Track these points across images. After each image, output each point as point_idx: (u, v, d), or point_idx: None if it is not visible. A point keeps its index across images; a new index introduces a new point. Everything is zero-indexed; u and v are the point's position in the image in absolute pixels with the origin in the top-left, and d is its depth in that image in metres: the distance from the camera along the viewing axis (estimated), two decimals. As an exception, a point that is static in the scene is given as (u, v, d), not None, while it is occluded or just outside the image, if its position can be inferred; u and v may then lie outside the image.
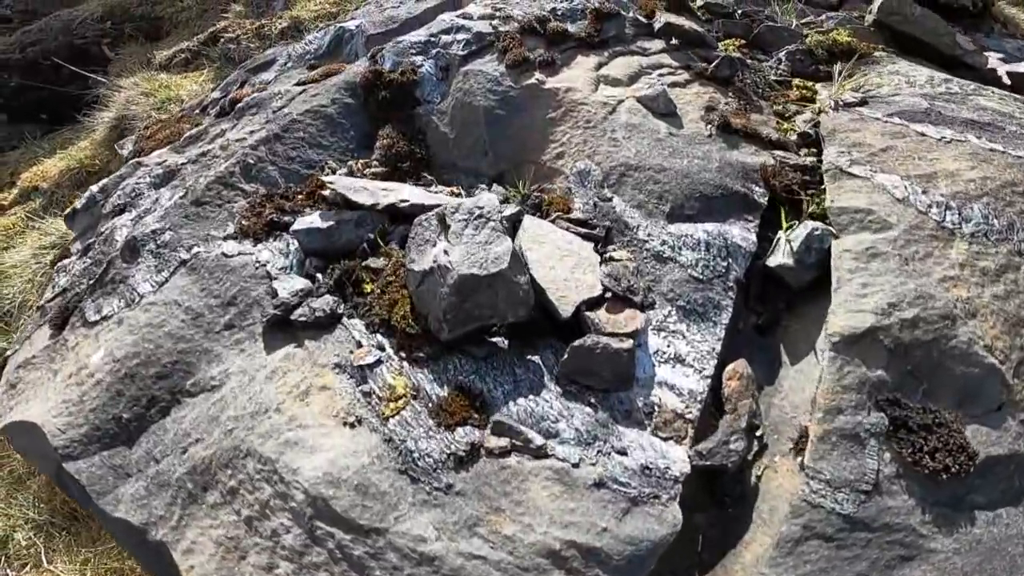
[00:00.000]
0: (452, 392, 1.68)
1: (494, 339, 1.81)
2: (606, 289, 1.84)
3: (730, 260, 1.94)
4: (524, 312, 1.74)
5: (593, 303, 1.79)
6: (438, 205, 2.26)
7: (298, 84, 3.19)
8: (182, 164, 2.88)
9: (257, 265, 2.19)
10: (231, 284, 2.15)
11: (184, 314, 2.10)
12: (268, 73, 3.70)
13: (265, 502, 1.54)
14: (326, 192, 2.50)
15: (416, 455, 1.58)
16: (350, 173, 2.60)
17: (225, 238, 2.39)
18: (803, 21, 3.03)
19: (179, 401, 1.92)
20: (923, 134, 2.24)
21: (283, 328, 2.00)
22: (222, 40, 4.96)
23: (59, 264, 2.82)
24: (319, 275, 2.19)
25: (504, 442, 1.59)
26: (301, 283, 2.09)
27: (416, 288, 1.82)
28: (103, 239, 2.65)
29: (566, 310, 1.77)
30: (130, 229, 2.61)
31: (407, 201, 2.25)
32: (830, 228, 1.94)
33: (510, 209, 2.04)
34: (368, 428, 1.62)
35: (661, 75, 2.66)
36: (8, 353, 2.53)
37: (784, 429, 1.75)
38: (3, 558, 3.11)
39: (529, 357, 1.78)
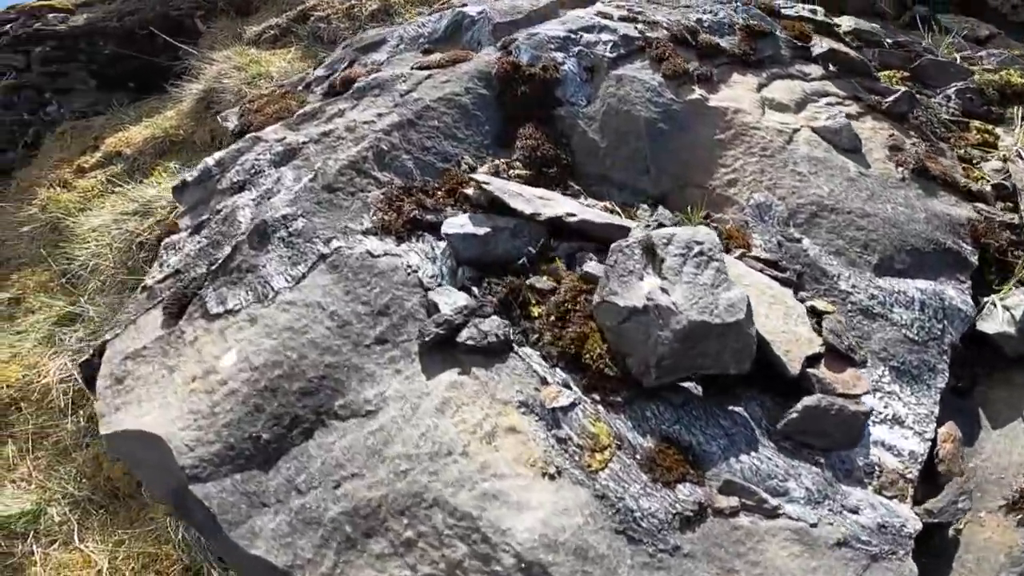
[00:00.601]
0: (659, 444, 1.45)
1: (686, 384, 1.59)
2: (826, 345, 1.62)
3: (946, 323, 1.71)
4: (748, 365, 1.51)
5: (811, 358, 1.59)
6: (610, 224, 1.99)
7: (420, 68, 2.93)
8: (303, 143, 2.60)
9: (408, 270, 1.93)
10: (381, 291, 1.89)
11: (329, 320, 1.84)
12: (379, 54, 3.40)
13: (457, 562, 1.30)
14: (469, 191, 2.23)
15: (638, 514, 1.35)
16: (495, 173, 2.35)
17: (364, 232, 2.10)
18: (960, 55, 2.78)
19: (324, 424, 1.66)
20: None
21: (443, 349, 1.72)
22: (312, 18, 4.65)
23: (167, 241, 2.54)
24: (474, 288, 1.93)
25: (734, 501, 1.37)
26: (462, 299, 1.82)
27: (617, 324, 1.57)
28: (222, 218, 2.38)
29: (794, 367, 1.53)
30: (254, 210, 2.33)
31: (574, 216, 1.99)
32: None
33: (707, 241, 1.80)
34: (571, 481, 1.39)
35: (829, 104, 2.41)
36: (108, 336, 2.28)
37: (989, 488, 1.62)
38: (32, 533, 2.84)
39: (731, 408, 1.56)
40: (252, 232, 2.10)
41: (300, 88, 3.62)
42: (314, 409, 1.66)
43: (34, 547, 2.83)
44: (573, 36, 2.56)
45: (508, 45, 2.69)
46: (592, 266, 1.79)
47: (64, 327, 4.04)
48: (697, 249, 1.53)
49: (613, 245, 1.62)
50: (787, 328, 1.57)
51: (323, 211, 2.11)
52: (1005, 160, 2.15)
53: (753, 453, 1.38)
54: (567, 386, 1.53)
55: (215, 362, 1.80)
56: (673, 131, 2.18)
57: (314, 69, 3.79)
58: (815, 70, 2.52)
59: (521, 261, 1.90)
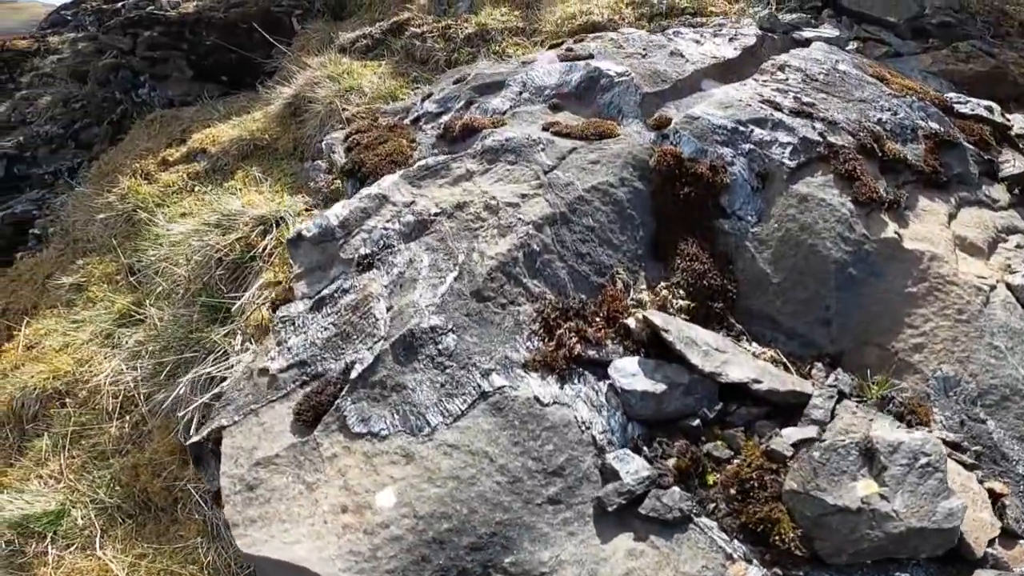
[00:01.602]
0: None
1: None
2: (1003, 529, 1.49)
3: None
4: (942, 552, 1.47)
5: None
6: (793, 392, 1.77)
7: (558, 134, 2.60)
8: (435, 214, 2.34)
9: (581, 427, 1.71)
10: (554, 448, 1.67)
11: (499, 474, 1.62)
12: (498, 99, 3.07)
13: None
14: (631, 323, 1.97)
15: None
16: (662, 307, 2.04)
17: (524, 367, 1.88)
18: None
19: (493, 581, 1.49)
20: None
21: (618, 513, 1.56)
22: (406, 33, 4.28)
23: (284, 312, 2.30)
24: (646, 448, 1.72)
25: None
26: (643, 468, 1.64)
27: (818, 516, 1.44)
28: (351, 304, 2.13)
29: (979, 551, 1.51)
30: (388, 301, 2.09)
31: (760, 384, 1.74)
32: None
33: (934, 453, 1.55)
34: None
35: (1020, 246, 2.10)
36: (224, 422, 2.06)
37: None
38: (51, 534, 2.70)
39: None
40: (397, 343, 1.89)
41: (407, 121, 3.31)
42: (483, 563, 1.52)
43: (49, 548, 2.67)
44: (742, 129, 2.24)
45: (663, 127, 2.38)
46: (779, 444, 1.68)
47: (124, 327, 3.81)
48: (924, 461, 1.43)
49: (826, 443, 1.49)
50: (974, 515, 1.41)
51: (474, 326, 1.87)
52: None
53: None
54: (750, 561, 1.38)
55: (369, 497, 1.60)
56: (863, 277, 1.91)
57: (421, 100, 3.48)
58: (1002, 195, 2.24)
59: (696, 423, 1.65)
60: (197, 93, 4.95)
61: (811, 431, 1.66)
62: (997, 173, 2.35)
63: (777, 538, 1.51)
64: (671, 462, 1.67)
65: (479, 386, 1.83)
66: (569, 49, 3.43)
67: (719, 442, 1.72)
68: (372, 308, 2.08)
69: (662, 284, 2.11)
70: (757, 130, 2.30)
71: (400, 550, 1.56)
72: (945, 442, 1.70)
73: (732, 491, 1.61)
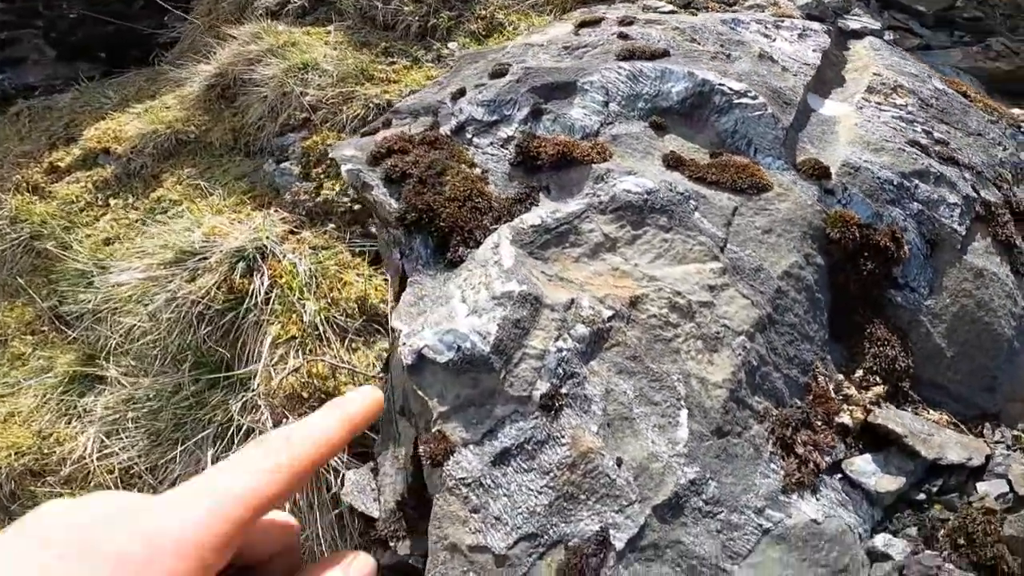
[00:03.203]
0: None
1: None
2: None
3: None
4: None
5: None
6: (982, 455, 1.75)
7: (692, 177, 2.10)
8: (608, 319, 1.83)
9: (851, 530, 1.56)
10: (837, 554, 1.62)
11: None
12: (577, 110, 2.40)
13: None
14: (845, 420, 1.81)
15: None
16: (877, 403, 1.82)
17: (784, 491, 1.65)
18: None
19: None
20: None
21: None
22: (358, -8, 3.12)
23: (457, 472, 1.67)
24: (888, 524, 1.75)
25: None
26: (902, 545, 1.60)
27: None
28: (567, 463, 1.62)
29: None
30: (610, 454, 1.61)
31: (971, 460, 1.74)
32: None
33: None
34: None
35: None
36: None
37: None
38: None
39: None
40: (661, 506, 1.50)
41: (447, 131, 2.48)
42: None
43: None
44: (907, 185, 2.00)
45: (821, 177, 2.07)
46: (987, 499, 1.81)
47: (83, 392, 2.84)
48: None
49: None
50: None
51: (725, 465, 1.68)
52: None
53: None
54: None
55: None
56: (1020, 347, 1.86)
57: (452, 98, 2.62)
58: None
59: (921, 497, 1.83)
60: (67, 76, 3.34)
61: (1001, 484, 1.81)
62: None
63: (1003, 568, 1.66)
64: (912, 531, 1.76)
65: (760, 525, 1.69)
66: (623, 35, 2.69)
67: (938, 507, 1.81)
68: (599, 466, 1.59)
69: (858, 374, 1.87)
70: (922, 186, 2.03)
71: None
72: None
73: (960, 541, 1.70)
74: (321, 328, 2.73)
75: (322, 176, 2.96)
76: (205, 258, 2.61)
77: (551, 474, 1.68)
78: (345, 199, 2.90)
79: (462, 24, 3.07)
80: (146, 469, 2.69)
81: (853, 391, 1.89)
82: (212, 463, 2.65)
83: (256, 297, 2.63)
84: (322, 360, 2.60)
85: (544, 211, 2.12)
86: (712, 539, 1.61)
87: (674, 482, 1.63)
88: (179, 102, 3.09)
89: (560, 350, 1.78)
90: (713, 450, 1.69)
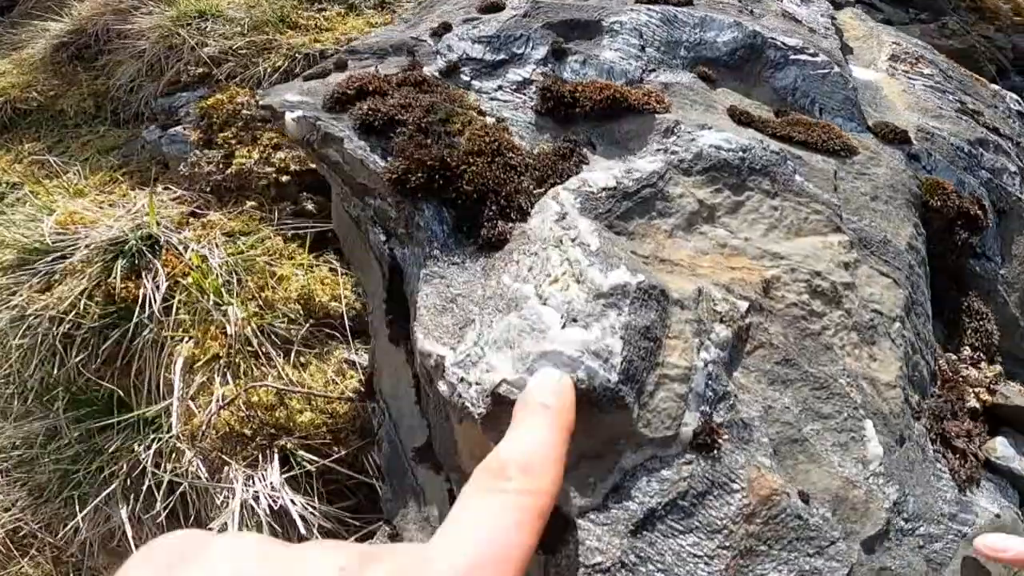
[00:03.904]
0: None
1: None
2: None
3: None
4: None
5: None
6: None
7: (775, 135, 1.65)
8: (744, 312, 1.26)
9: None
10: None
11: None
12: (610, 52, 1.88)
13: None
14: (974, 403, 1.50)
15: None
16: (996, 379, 1.55)
17: (961, 490, 1.32)
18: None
19: None
20: None
21: None
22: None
23: (585, 559, 0.99)
24: None
25: None
26: None
27: None
28: (744, 513, 1.08)
29: None
30: (790, 489, 1.07)
31: None
32: None
33: None
34: None
35: None
36: None
37: None
38: None
39: None
40: (870, 538, 1.05)
41: (433, 72, 1.82)
42: None
43: None
44: (975, 153, 1.76)
45: (903, 142, 1.71)
46: None
47: None
48: None
49: None
50: None
51: (909, 475, 1.42)
52: None
53: None
54: None
55: None
56: None
57: (431, 34, 1.90)
58: None
59: None
60: None
61: None
62: None
63: None
64: None
65: (959, 531, 1.29)
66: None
67: None
68: (786, 508, 1.04)
69: (966, 352, 1.58)
70: (986, 154, 1.81)
71: None
72: None
73: None
74: (255, 341, 1.82)
75: (233, 141, 2.01)
76: (64, 257, 1.57)
77: (725, 531, 1.07)
78: (269, 168, 1.98)
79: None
80: (41, 528, 1.68)
81: (971, 371, 1.56)
82: (129, 523, 1.69)
83: (151, 306, 1.65)
84: (266, 386, 1.70)
85: (613, 171, 1.52)
86: (915, 555, 1.18)
87: (880, 507, 1.15)
88: (16, 66, 1.99)
89: (707, 363, 1.13)
90: (902, 462, 1.23)
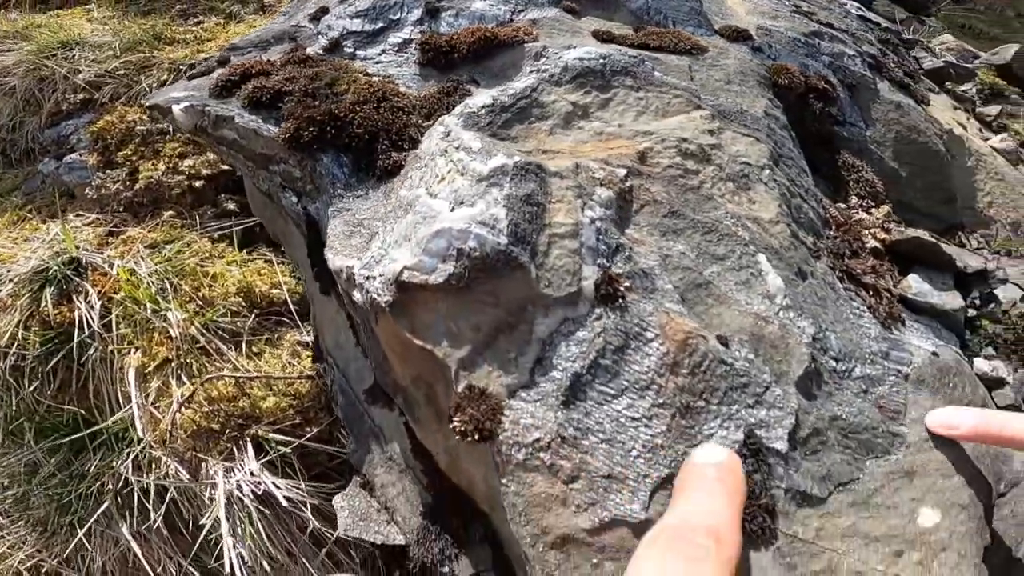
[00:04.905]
0: None
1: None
2: None
3: None
4: None
5: None
6: (995, 268, 1.64)
7: (633, 46, 1.70)
8: (624, 176, 1.28)
9: (968, 365, 1.23)
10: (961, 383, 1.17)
11: None
12: (478, 2, 1.88)
13: None
14: (873, 244, 1.51)
15: None
16: (887, 218, 1.60)
17: (885, 327, 1.29)
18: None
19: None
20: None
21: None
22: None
23: (522, 438, 0.97)
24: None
25: None
26: (989, 363, 1.32)
27: None
28: (669, 363, 1.04)
29: None
30: (701, 337, 1.06)
31: (988, 265, 1.57)
32: None
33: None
34: None
35: (968, 119, 2.39)
36: None
37: None
38: None
39: None
40: (802, 379, 1.13)
41: (316, 51, 1.84)
42: None
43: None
44: (812, 43, 1.86)
45: (746, 39, 1.80)
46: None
47: None
48: None
49: None
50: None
51: (823, 310, 1.38)
52: None
53: None
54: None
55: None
56: (953, 161, 1.87)
57: (309, 19, 1.92)
58: (933, 84, 2.43)
59: (972, 313, 1.56)
60: None
61: (1013, 289, 1.62)
62: (921, 67, 2.54)
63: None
64: (991, 350, 1.47)
65: (898, 371, 1.22)
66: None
67: (986, 322, 1.55)
68: (707, 353, 1.02)
69: (853, 200, 1.63)
70: (823, 44, 1.91)
71: None
72: None
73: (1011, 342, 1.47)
74: (202, 339, 1.73)
75: (134, 158, 1.94)
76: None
77: (654, 387, 1.02)
78: (179, 177, 1.92)
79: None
80: (60, 563, 1.53)
81: (861, 215, 1.59)
82: (135, 540, 1.56)
83: (90, 326, 1.56)
84: (223, 377, 1.61)
85: (491, 92, 1.53)
86: (864, 402, 1.12)
87: (800, 343, 1.10)
88: None
89: (593, 220, 1.12)
90: (809, 295, 1.19)
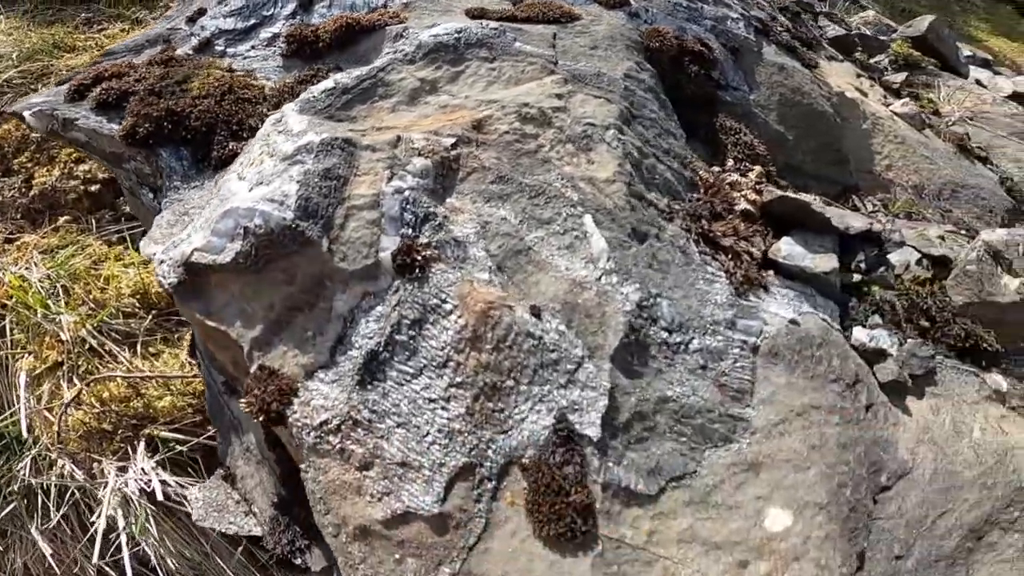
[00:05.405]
0: None
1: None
2: None
3: None
4: None
5: None
6: (891, 231, 1.52)
7: (502, 19, 1.60)
8: (451, 146, 1.19)
9: (839, 334, 1.14)
10: (841, 361, 1.04)
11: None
12: None
13: None
14: (743, 205, 1.39)
15: None
16: (761, 179, 1.48)
17: (740, 294, 1.17)
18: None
19: None
20: None
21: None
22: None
23: (309, 420, 0.87)
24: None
25: None
26: (880, 332, 1.23)
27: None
28: (469, 337, 0.94)
29: None
30: (533, 316, 0.96)
31: (871, 227, 1.43)
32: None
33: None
34: None
35: (872, 86, 2.26)
36: None
37: None
38: None
39: None
40: (620, 352, 1.00)
41: (187, 51, 1.75)
42: None
43: None
44: (694, 6, 1.75)
45: (620, 5, 1.68)
46: (918, 271, 1.46)
47: None
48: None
49: (983, 249, 1.35)
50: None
51: (662, 275, 1.20)
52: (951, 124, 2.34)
53: None
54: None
55: None
56: (842, 123, 1.77)
57: (186, 20, 1.85)
58: (836, 52, 2.30)
59: (858, 278, 1.45)
60: None
61: (909, 252, 1.48)
62: (825, 36, 2.43)
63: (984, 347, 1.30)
64: (877, 319, 1.32)
65: (744, 342, 1.09)
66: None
67: (876, 287, 1.41)
68: (513, 325, 0.94)
69: (730, 163, 1.52)
70: (706, 7, 1.81)
71: None
72: (947, 231, 1.67)
73: (923, 322, 1.31)
74: (94, 341, 1.66)
75: (30, 165, 1.88)
76: None
77: (451, 364, 0.91)
78: (74, 182, 1.85)
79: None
80: None
81: (736, 177, 1.45)
82: (43, 538, 1.46)
83: None
84: (113, 378, 1.53)
85: (337, 76, 1.44)
86: (702, 380, 0.98)
87: (619, 311, 0.98)
88: None
89: (400, 190, 1.02)
90: (643, 258, 1.08)
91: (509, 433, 0.90)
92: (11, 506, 1.58)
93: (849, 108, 1.91)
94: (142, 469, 1.57)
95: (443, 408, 0.91)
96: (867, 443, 1.03)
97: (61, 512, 1.53)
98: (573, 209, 1.10)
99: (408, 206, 1.02)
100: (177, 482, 1.58)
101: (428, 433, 0.88)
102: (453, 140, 1.15)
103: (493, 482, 0.88)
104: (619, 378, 0.95)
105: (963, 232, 1.79)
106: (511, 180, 1.13)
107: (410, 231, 1.00)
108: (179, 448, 1.63)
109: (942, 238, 1.63)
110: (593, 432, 0.91)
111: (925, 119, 2.17)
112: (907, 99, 2.22)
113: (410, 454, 0.87)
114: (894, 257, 1.48)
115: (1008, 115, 2.44)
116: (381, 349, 0.92)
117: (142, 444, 1.63)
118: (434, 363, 0.93)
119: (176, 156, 1.31)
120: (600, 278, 1.02)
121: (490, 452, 0.89)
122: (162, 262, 0.98)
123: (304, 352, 0.93)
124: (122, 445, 1.65)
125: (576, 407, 0.92)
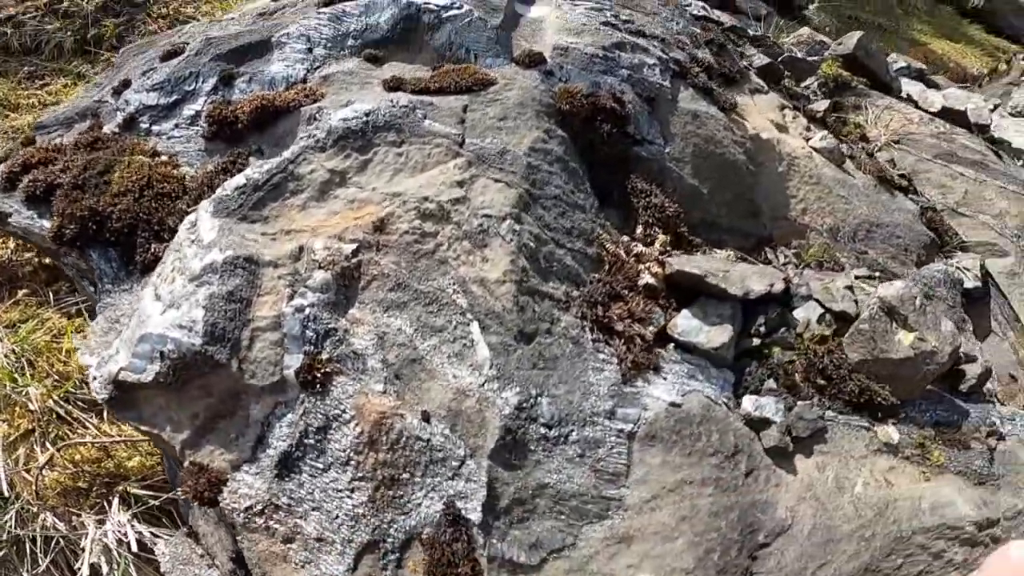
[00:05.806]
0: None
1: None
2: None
3: (953, 288, 1.84)
4: None
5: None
6: (798, 285, 1.56)
7: (415, 91, 1.61)
8: (350, 255, 1.22)
9: (723, 409, 1.19)
10: (720, 435, 1.11)
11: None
12: (278, 65, 1.81)
13: None
14: (648, 280, 1.46)
15: None
16: (665, 252, 1.52)
17: (626, 381, 1.26)
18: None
19: None
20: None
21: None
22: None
23: (237, 505, 1.01)
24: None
25: None
26: (770, 401, 1.31)
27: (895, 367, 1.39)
28: (366, 441, 1.01)
29: None
30: (426, 427, 1.03)
31: (772, 287, 1.47)
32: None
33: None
34: None
35: (795, 119, 2.25)
36: None
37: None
38: None
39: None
40: (497, 451, 1.05)
41: (113, 129, 1.72)
42: None
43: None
44: (612, 56, 1.74)
45: (539, 64, 1.67)
46: (819, 329, 1.52)
47: None
48: (927, 295, 1.47)
49: (878, 307, 1.41)
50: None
51: (547, 373, 1.23)
52: (877, 149, 2.35)
53: None
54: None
55: None
56: (755, 169, 1.80)
57: (113, 93, 1.82)
58: (762, 83, 2.29)
59: (756, 343, 1.47)
60: None
61: (813, 308, 1.53)
62: (752, 66, 2.40)
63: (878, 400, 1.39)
64: (771, 383, 1.40)
65: (621, 431, 1.17)
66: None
67: (776, 349, 1.47)
68: (403, 431, 1.03)
69: (639, 231, 1.55)
70: (623, 55, 1.80)
71: None
72: (858, 277, 1.72)
73: (820, 381, 1.40)
74: (62, 410, 1.76)
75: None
76: None
77: (352, 463, 1.01)
78: (29, 254, 1.89)
79: (135, 28, 2.23)
80: None
81: (641, 247, 1.47)
82: None
83: None
84: (75, 443, 1.63)
85: (251, 169, 1.46)
86: (578, 467, 1.07)
87: (497, 415, 1.06)
88: None
89: (299, 309, 1.07)
90: (527, 360, 1.14)
91: (409, 514, 1.01)
92: (2, 552, 1.69)
93: (765, 151, 1.92)
94: (119, 521, 1.67)
95: (348, 496, 1.00)
96: (743, 507, 1.13)
97: (49, 558, 1.65)
98: (463, 316, 1.15)
99: (309, 323, 1.07)
100: (152, 533, 1.70)
101: (337, 516, 0.99)
102: (355, 246, 1.19)
103: (396, 554, 0.99)
104: (497, 472, 1.05)
105: (877, 275, 1.84)
106: (407, 287, 1.17)
107: (311, 348, 1.06)
108: (151, 502, 1.74)
109: (850, 288, 1.66)
110: (476, 516, 1.01)
111: (845, 152, 2.17)
112: (826, 132, 2.22)
113: (324, 531, 0.98)
114: (799, 313, 1.53)
115: (934, 135, 2.45)
116: (294, 449, 1.01)
117: (116, 499, 1.73)
118: (339, 461, 1.01)
119: (105, 258, 1.35)
120: (483, 384, 1.09)
121: (392, 530, 1.00)
122: (95, 379, 1.05)
123: (229, 451, 1.01)
124: (98, 500, 1.75)
125: (462, 495, 1.02)
